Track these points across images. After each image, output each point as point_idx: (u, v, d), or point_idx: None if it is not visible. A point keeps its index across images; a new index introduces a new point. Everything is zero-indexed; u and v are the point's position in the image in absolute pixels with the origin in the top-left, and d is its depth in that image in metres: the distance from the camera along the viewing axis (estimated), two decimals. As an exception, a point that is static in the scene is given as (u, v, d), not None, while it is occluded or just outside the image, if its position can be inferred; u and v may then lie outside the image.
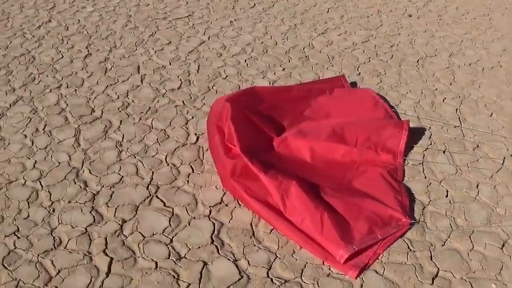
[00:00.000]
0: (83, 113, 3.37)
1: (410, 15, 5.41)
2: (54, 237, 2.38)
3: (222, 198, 2.68)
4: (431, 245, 2.44)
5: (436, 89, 3.94)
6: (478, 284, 2.25)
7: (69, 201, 2.61)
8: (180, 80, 3.85)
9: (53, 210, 2.55)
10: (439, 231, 2.52)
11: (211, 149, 2.99)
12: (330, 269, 2.28)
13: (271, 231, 2.48)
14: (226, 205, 2.64)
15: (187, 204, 2.63)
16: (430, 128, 3.40)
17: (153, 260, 2.30)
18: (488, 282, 2.26)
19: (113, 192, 2.69)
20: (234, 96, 3.33)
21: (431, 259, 2.36)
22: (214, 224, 2.51)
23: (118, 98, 3.58)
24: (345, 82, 3.84)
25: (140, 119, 3.34)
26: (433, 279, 2.26)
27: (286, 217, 2.49)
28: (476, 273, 2.31)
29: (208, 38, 4.58)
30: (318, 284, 2.21)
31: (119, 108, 3.44)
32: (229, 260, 2.31)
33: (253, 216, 2.57)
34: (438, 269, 2.32)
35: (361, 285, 2.20)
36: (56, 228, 2.44)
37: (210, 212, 2.59)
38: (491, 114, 3.63)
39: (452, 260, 2.36)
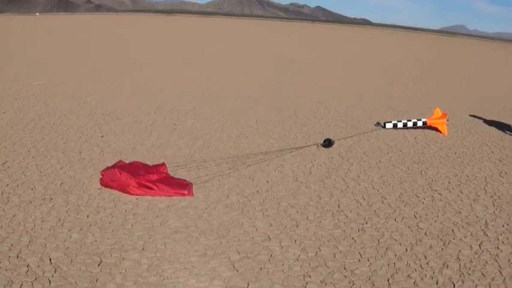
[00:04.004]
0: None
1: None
2: None
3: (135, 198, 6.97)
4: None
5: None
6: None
7: None
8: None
9: None
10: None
11: (117, 182, 7.11)
12: (181, 199, 6.92)
13: (153, 197, 6.98)
14: (137, 199, 6.95)
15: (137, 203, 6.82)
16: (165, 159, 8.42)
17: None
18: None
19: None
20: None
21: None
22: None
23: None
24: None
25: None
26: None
27: (160, 193, 7.00)
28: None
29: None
30: (182, 200, 6.83)
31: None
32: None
33: (153, 198, 6.97)
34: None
35: (196, 198, 6.99)
36: None
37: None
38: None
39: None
